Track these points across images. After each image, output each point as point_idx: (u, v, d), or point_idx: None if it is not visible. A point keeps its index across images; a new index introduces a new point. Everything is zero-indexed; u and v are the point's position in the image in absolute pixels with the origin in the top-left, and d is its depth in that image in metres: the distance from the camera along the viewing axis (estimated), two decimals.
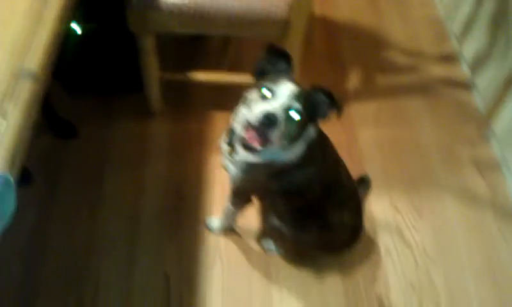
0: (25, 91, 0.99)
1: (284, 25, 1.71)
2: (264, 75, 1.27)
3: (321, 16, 2.55)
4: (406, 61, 2.40)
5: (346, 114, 2.15)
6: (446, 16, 2.54)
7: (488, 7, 2.13)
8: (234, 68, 2.14)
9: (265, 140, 1.20)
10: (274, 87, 1.20)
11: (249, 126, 1.20)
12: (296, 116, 1.20)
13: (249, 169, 1.37)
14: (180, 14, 1.69)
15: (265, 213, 1.77)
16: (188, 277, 1.69)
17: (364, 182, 1.76)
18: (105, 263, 1.71)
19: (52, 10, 1.13)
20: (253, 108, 1.20)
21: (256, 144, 1.20)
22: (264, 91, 1.20)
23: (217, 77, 1.98)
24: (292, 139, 1.25)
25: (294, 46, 1.78)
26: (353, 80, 2.30)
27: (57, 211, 1.82)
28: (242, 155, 1.34)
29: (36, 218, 1.79)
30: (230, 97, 2.09)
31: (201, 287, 1.66)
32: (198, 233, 1.79)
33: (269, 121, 1.16)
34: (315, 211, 1.51)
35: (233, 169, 1.43)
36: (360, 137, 2.09)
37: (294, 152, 1.31)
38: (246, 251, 1.75)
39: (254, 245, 1.77)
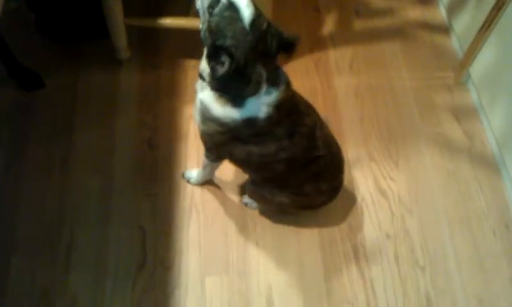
0: None
1: None
2: None
3: None
4: (382, 4, 2.32)
5: (321, 60, 2.09)
6: None
7: None
8: None
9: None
10: None
11: None
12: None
13: (203, 115, 1.32)
14: None
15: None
16: (164, 231, 1.66)
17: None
18: (79, 218, 1.67)
19: None
20: None
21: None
22: None
23: (186, 22, 1.88)
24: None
25: None
26: (328, 24, 2.22)
27: (26, 167, 1.76)
28: (199, 94, 1.31)
29: (5, 176, 1.73)
30: (201, 44, 2.03)
31: (177, 240, 1.64)
32: (173, 185, 1.75)
33: None
34: (286, 183, 1.47)
35: (195, 115, 1.38)
36: (336, 83, 2.04)
37: (241, 111, 1.24)
38: (223, 203, 1.72)
39: (231, 196, 1.74)
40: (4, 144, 1.79)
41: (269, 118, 1.25)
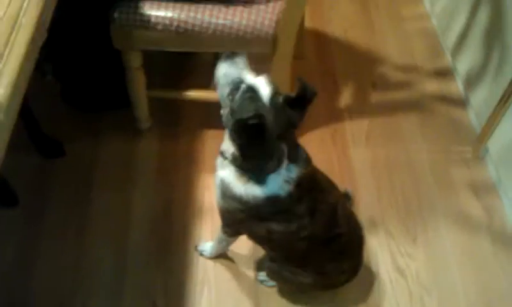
0: None
1: (272, 42, 1.67)
2: None
3: (313, 29, 2.50)
4: (399, 76, 2.35)
5: (338, 131, 2.11)
6: (440, 30, 2.50)
7: (482, 20, 2.09)
8: None
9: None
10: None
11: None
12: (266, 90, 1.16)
13: (223, 194, 1.33)
14: (164, 31, 1.64)
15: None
16: (176, 305, 1.63)
17: (346, 197, 1.70)
18: (91, 289, 1.66)
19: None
20: None
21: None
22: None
23: (207, 95, 1.93)
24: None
25: (283, 62, 1.74)
26: (345, 96, 2.25)
27: (43, 234, 1.77)
28: (220, 172, 1.32)
29: (21, 241, 1.74)
30: (220, 115, 2.06)
31: None
32: (186, 258, 1.73)
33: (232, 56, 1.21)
34: (308, 263, 1.45)
35: (216, 192, 1.39)
36: (352, 156, 2.04)
37: (258, 191, 1.25)
38: (236, 279, 1.70)
39: (245, 271, 1.71)
40: (23, 209, 1.81)
41: (290, 195, 1.25)
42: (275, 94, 1.17)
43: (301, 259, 1.44)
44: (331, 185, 1.43)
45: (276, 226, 1.32)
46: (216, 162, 1.38)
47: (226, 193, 1.32)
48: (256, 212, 1.30)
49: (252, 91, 1.16)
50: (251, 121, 1.11)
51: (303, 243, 1.36)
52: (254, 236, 1.46)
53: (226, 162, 1.29)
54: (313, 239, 1.35)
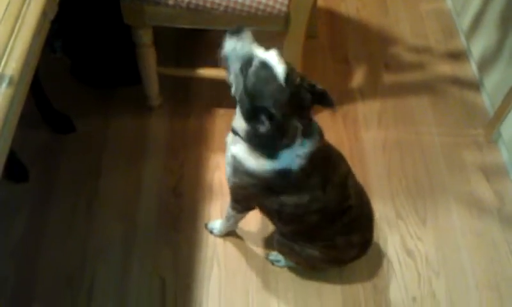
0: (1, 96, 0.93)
1: (284, 19, 1.65)
2: None
3: (325, 8, 2.47)
4: (413, 57, 2.32)
5: (349, 113, 2.09)
6: (455, 11, 2.46)
7: (498, 2, 2.05)
8: None
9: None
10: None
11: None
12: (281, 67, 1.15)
13: (235, 171, 1.33)
14: (175, 7, 1.62)
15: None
16: (184, 283, 1.64)
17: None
18: (100, 264, 1.67)
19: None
20: None
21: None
22: None
23: (217, 73, 1.91)
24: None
25: (295, 40, 1.72)
26: (357, 76, 2.23)
27: (52, 210, 1.78)
28: (232, 149, 1.32)
29: (31, 216, 1.76)
30: (230, 95, 2.05)
31: (197, 294, 1.62)
32: (195, 235, 1.74)
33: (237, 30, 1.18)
34: (318, 236, 1.45)
35: (227, 168, 1.39)
36: (363, 137, 2.03)
37: (270, 165, 1.25)
38: (245, 256, 1.70)
39: (254, 249, 1.72)
40: (33, 184, 1.82)
41: (302, 169, 1.25)
42: (291, 72, 1.16)
43: (312, 233, 1.45)
44: (341, 158, 1.43)
45: (288, 199, 1.32)
46: (226, 139, 1.38)
47: (238, 169, 1.32)
48: (268, 185, 1.30)
49: (266, 67, 1.15)
50: (262, 118, 1.13)
51: (315, 216, 1.36)
52: (265, 210, 1.46)
53: (238, 138, 1.28)
54: (324, 212, 1.36)
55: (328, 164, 1.34)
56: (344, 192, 1.39)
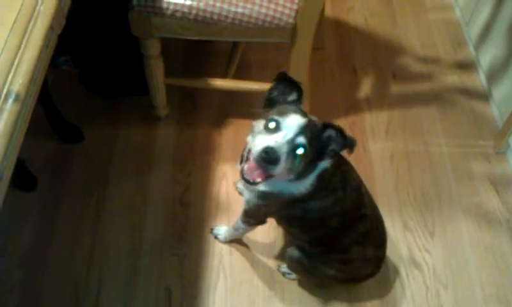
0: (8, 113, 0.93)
1: (291, 31, 1.65)
2: (273, 104, 1.22)
3: (333, 18, 2.47)
4: (421, 67, 2.32)
5: (357, 123, 2.08)
6: (463, 21, 2.45)
7: (507, 12, 2.04)
8: (243, 72, 2.08)
9: (265, 174, 1.14)
10: (280, 119, 1.14)
11: (251, 157, 1.15)
12: (300, 151, 1.14)
13: (261, 196, 1.33)
14: (182, 19, 1.63)
15: (284, 239, 1.74)
16: (190, 293, 1.64)
17: None
18: (106, 274, 1.67)
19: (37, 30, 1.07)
20: (257, 140, 1.15)
21: (255, 177, 1.15)
22: (270, 123, 1.14)
23: (224, 84, 1.92)
24: (298, 173, 1.20)
25: (302, 51, 1.72)
26: (365, 87, 2.22)
27: (60, 219, 1.79)
28: (265, 188, 1.31)
29: (39, 225, 1.77)
30: (237, 103, 2.04)
31: (204, 303, 1.62)
32: (202, 245, 1.74)
33: (269, 156, 1.10)
34: (335, 244, 1.45)
35: (246, 194, 1.39)
36: (371, 147, 2.02)
37: (304, 184, 1.26)
38: (251, 266, 1.70)
39: (260, 258, 1.72)
40: (41, 192, 1.83)
41: (326, 169, 1.27)
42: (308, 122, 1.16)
43: (330, 241, 1.44)
44: (352, 165, 1.44)
45: (312, 204, 1.33)
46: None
47: (272, 198, 1.33)
48: (294, 199, 1.31)
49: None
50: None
51: (335, 220, 1.37)
52: (285, 220, 1.47)
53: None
54: (344, 215, 1.37)
55: (344, 164, 1.36)
56: (360, 197, 1.42)
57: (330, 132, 1.18)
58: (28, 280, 1.64)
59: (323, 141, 1.19)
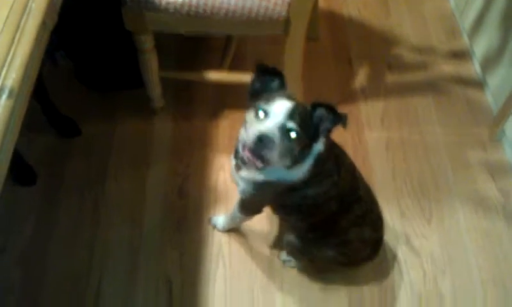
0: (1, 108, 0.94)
1: (284, 23, 1.65)
2: (258, 95, 1.23)
3: (327, 9, 2.48)
4: (415, 57, 2.33)
5: (352, 114, 2.09)
6: (457, 10, 2.46)
7: (501, 1, 2.05)
8: (237, 64, 2.08)
9: (263, 160, 1.17)
10: (268, 107, 1.16)
11: (246, 147, 1.17)
12: (292, 134, 1.15)
13: (258, 186, 1.34)
14: (175, 13, 1.63)
15: (281, 228, 1.75)
16: (190, 283, 1.65)
17: None
18: (106, 267, 1.68)
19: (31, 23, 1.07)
20: (249, 129, 1.17)
21: (254, 165, 1.18)
22: (259, 112, 1.16)
23: (219, 76, 1.93)
24: (294, 157, 1.21)
25: (296, 42, 1.73)
26: (360, 78, 2.23)
27: (58, 212, 1.79)
28: (249, 172, 1.32)
29: (38, 219, 1.77)
30: (233, 95, 2.04)
31: (204, 294, 1.63)
32: (201, 235, 1.75)
33: (262, 142, 1.13)
34: (333, 228, 1.46)
35: (242, 185, 1.40)
36: (366, 137, 2.03)
37: (301, 170, 1.27)
38: (250, 255, 1.71)
39: (259, 247, 1.73)
40: (39, 187, 1.84)
41: (321, 153, 1.28)
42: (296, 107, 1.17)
43: (328, 226, 1.45)
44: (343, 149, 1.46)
45: (310, 191, 1.34)
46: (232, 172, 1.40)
47: (270, 187, 1.33)
48: (291, 186, 1.32)
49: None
50: None
51: (332, 204, 1.38)
52: (282, 209, 1.48)
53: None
54: (341, 198, 1.38)
55: (336, 147, 1.38)
56: (355, 180, 1.44)
57: (320, 111, 1.19)
58: (27, 278, 1.65)
59: (315, 122, 1.20)
